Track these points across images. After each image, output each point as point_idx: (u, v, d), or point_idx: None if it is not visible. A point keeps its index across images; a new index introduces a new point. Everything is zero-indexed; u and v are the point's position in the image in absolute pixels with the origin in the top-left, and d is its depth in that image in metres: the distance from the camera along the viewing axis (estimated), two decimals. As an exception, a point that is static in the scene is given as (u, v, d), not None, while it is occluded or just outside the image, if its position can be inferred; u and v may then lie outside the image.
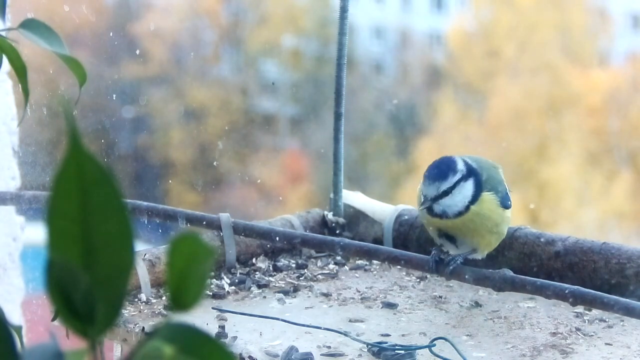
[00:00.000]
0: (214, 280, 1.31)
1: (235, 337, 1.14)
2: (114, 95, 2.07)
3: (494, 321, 1.20)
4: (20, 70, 0.89)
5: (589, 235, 1.75)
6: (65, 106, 0.44)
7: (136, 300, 1.25)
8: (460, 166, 1.16)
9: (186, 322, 0.44)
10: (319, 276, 1.35)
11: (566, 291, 1.08)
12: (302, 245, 1.34)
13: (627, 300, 1.06)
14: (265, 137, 3.09)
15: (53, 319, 1.00)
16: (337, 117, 1.44)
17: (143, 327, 1.15)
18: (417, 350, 1.10)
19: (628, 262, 1.22)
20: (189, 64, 2.97)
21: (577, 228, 3.13)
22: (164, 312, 1.21)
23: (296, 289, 1.30)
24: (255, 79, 3.18)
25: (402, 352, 1.09)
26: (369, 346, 1.11)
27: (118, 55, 2.15)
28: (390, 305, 1.24)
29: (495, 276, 1.14)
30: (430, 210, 1.15)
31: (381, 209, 1.44)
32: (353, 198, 1.47)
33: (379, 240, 1.40)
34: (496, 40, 3.43)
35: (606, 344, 1.13)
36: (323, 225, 1.45)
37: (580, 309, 1.20)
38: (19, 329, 0.56)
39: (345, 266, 1.39)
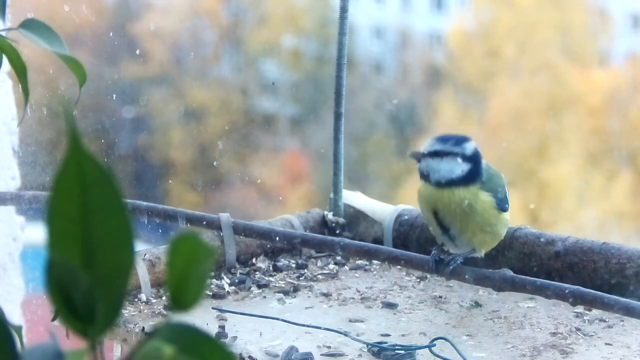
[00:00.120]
0: (214, 280, 1.31)
1: (235, 337, 1.14)
2: (114, 95, 2.07)
3: (494, 321, 1.20)
4: (20, 70, 0.89)
5: (589, 235, 1.75)
6: (65, 106, 0.44)
7: (136, 300, 1.25)
8: (468, 148, 1.16)
9: (186, 322, 0.44)
10: (319, 276, 1.35)
11: (566, 291, 1.08)
12: (302, 245, 1.34)
13: (627, 300, 1.05)
14: (265, 137, 3.09)
15: (53, 319, 1.00)
16: (337, 117, 1.44)
17: (143, 327, 1.15)
18: (417, 350, 1.10)
19: (628, 262, 1.22)
20: (189, 64, 2.97)
21: (577, 228, 3.13)
22: (164, 312, 1.21)
23: (296, 289, 1.30)
24: (255, 79, 3.18)
25: (402, 352, 1.09)
26: (369, 346, 1.11)
27: (118, 55, 2.15)
28: (390, 305, 1.24)
29: (495, 276, 1.14)
30: (420, 170, 1.16)
31: (381, 209, 1.44)
32: (353, 198, 1.47)
33: (379, 240, 1.40)
34: (496, 40, 3.43)
35: (606, 344, 1.13)
36: (323, 225, 1.45)
37: (580, 309, 1.20)
38: (19, 329, 0.56)
39: (345, 266, 1.39)
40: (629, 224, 3.18)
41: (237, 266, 1.36)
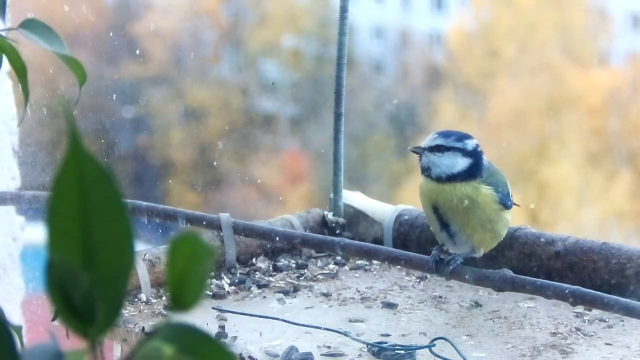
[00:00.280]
0: (214, 280, 1.31)
1: (235, 337, 1.14)
2: (114, 95, 2.07)
3: (494, 321, 1.20)
4: (20, 70, 0.89)
5: (589, 235, 1.75)
6: (65, 106, 0.44)
7: (136, 300, 1.25)
8: (470, 144, 1.16)
9: (186, 322, 0.44)
10: (319, 276, 1.35)
11: (566, 291, 1.08)
12: (302, 245, 1.34)
13: (627, 300, 1.06)
14: (265, 137, 3.09)
15: (53, 319, 1.00)
16: (337, 117, 1.44)
17: (143, 327, 1.15)
18: (417, 350, 1.10)
19: (628, 262, 1.22)
20: (189, 64, 2.97)
21: (577, 228, 3.13)
22: (164, 312, 1.21)
23: (296, 289, 1.30)
24: (255, 79, 3.18)
25: (402, 352, 1.09)
26: (369, 346, 1.11)
27: (118, 55, 2.15)
28: (390, 305, 1.24)
29: (495, 276, 1.14)
30: (421, 165, 1.16)
31: (381, 209, 1.44)
32: (353, 198, 1.47)
33: (379, 240, 1.40)
34: (496, 40, 3.43)
35: (606, 344, 1.13)
36: (323, 225, 1.45)
37: (580, 309, 1.20)
38: (19, 329, 0.56)
39: (345, 266, 1.39)
40: (629, 224, 3.18)
41: (237, 266, 1.36)
